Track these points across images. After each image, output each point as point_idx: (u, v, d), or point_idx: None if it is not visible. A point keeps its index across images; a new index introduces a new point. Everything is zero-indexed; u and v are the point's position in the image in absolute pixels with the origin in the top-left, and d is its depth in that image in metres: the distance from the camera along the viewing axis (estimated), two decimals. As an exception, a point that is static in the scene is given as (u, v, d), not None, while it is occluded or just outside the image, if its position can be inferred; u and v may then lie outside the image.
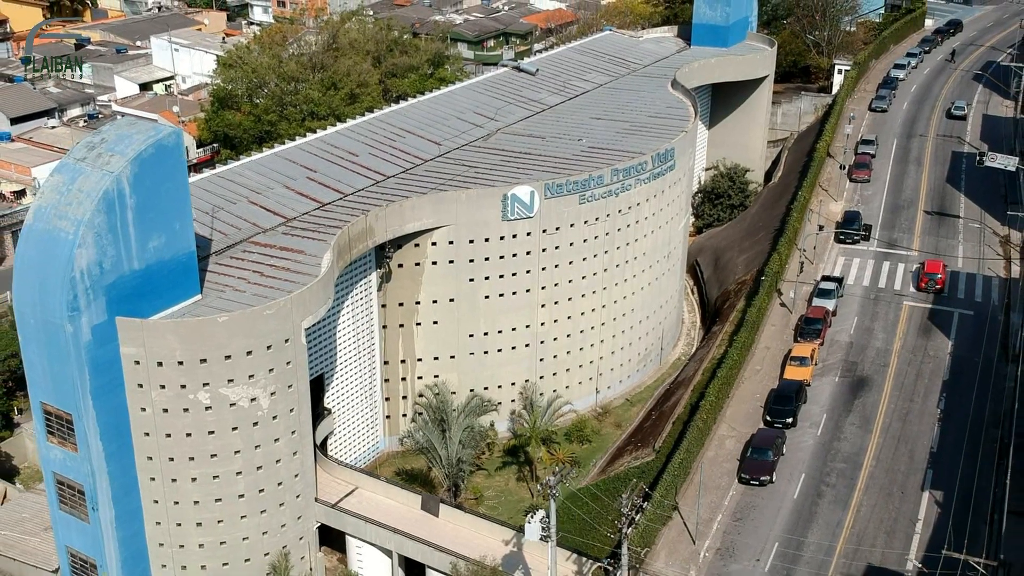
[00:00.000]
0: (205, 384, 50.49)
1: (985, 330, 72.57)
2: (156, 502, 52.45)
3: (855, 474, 59.40)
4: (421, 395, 67.73)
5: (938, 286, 77.26)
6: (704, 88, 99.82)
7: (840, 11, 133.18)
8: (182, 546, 53.47)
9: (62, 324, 47.43)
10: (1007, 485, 54.48)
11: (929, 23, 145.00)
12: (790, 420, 63.38)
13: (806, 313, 73.73)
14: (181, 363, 49.82)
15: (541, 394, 69.47)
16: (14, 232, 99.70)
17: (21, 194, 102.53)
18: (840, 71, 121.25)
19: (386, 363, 67.82)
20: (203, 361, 50.06)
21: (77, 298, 47.13)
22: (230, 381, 50.87)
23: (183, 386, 50.26)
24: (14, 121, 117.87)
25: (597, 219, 69.36)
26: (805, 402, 65.50)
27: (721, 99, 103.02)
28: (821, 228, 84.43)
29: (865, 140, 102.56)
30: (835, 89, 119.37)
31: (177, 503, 52.49)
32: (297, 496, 55.34)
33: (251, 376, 51.27)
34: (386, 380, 68.23)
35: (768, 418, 63.85)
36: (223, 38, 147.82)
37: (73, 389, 48.84)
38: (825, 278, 78.32)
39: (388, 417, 69.20)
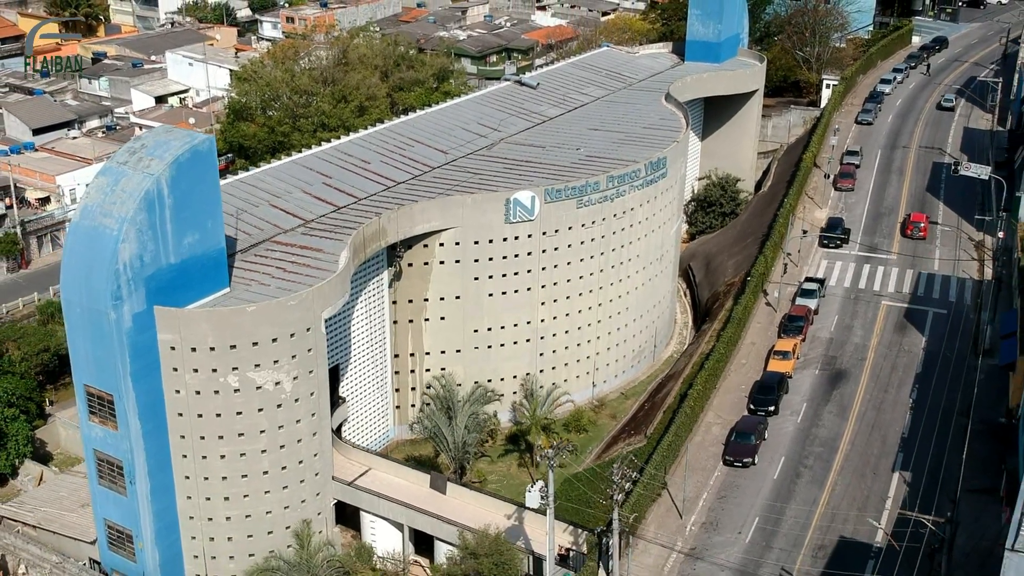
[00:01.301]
0: (234, 368, 55.30)
1: (955, 327, 77.40)
2: (187, 478, 57.19)
3: (831, 457, 64.17)
4: (429, 386, 72.44)
5: (922, 234, 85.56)
6: (697, 102, 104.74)
7: (830, 28, 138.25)
8: (210, 519, 58.18)
9: (106, 312, 52.31)
10: (963, 464, 59.25)
11: (916, 40, 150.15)
12: (772, 408, 68.20)
13: (789, 311, 78.66)
14: (213, 349, 54.64)
15: (541, 387, 74.17)
16: (39, 237, 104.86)
17: (46, 201, 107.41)
18: (828, 86, 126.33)
19: (396, 356, 72.61)
20: (233, 347, 54.88)
21: (120, 288, 52.01)
22: (257, 366, 55.67)
23: (214, 370, 55.07)
24: (36, 132, 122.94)
25: (594, 222, 74.19)
26: (787, 392, 70.32)
27: (713, 112, 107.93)
28: (805, 233, 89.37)
29: (850, 151, 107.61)
30: (823, 103, 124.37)
31: (207, 478, 57.21)
32: (316, 474, 60.10)
33: (276, 361, 56.09)
34: (396, 372, 73.01)
35: (752, 406, 68.69)
36: (235, 53, 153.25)
37: (115, 372, 53.68)
38: (808, 279, 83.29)
39: (398, 407, 73.95)
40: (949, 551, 49.92)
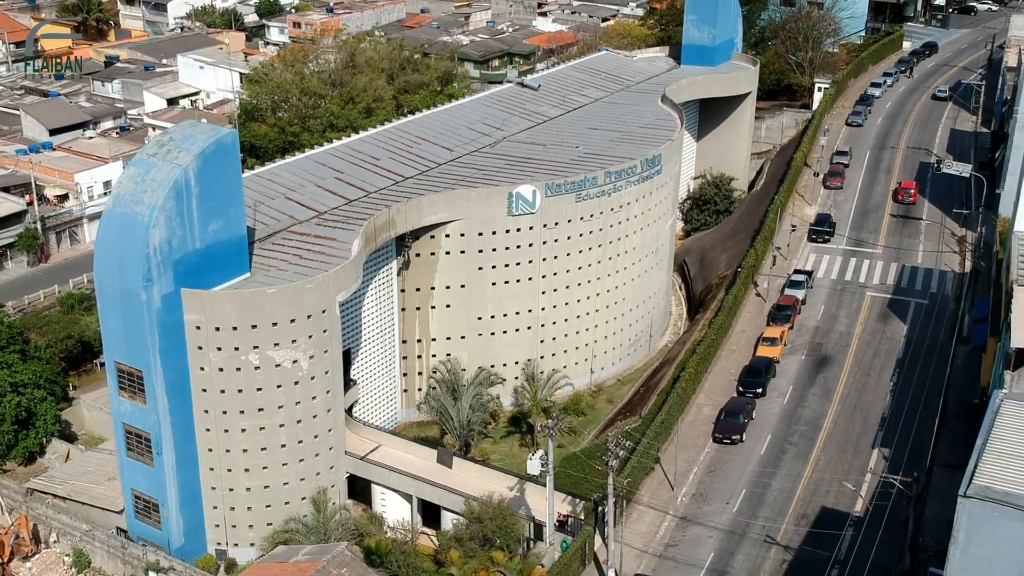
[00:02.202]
0: (255, 347, 59.16)
1: (935, 316, 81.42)
2: (210, 450, 61.03)
3: (815, 435, 68.10)
4: (435, 371, 76.31)
5: (911, 199, 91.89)
6: (693, 103, 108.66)
7: (823, 34, 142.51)
8: (231, 489, 62.00)
9: (137, 293, 56.23)
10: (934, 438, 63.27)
11: (907, 45, 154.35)
12: (760, 390, 72.11)
13: (778, 301, 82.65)
14: (235, 328, 58.51)
15: (541, 372, 78.02)
16: (58, 232, 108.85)
17: (64, 198, 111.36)
18: (820, 89, 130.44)
19: (404, 342, 76.49)
20: (254, 327, 58.75)
21: (150, 271, 55.92)
22: (276, 345, 59.57)
23: (236, 348, 58.93)
24: (52, 132, 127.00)
25: (592, 216, 78.09)
26: (774, 376, 74.25)
27: (708, 114, 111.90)
28: (794, 228, 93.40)
29: (840, 151, 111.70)
30: (815, 106, 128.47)
31: (228, 451, 61.05)
32: (330, 448, 63.96)
33: (294, 341, 59.98)
34: (404, 357, 76.91)
35: (740, 388, 72.60)
36: (244, 57, 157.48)
37: (145, 349, 57.56)
38: (796, 271, 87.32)
39: (405, 390, 77.80)
40: (915, 509, 53.78)
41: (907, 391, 72.17)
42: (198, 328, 58.33)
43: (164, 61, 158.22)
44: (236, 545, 63.27)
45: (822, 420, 69.49)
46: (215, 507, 62.47)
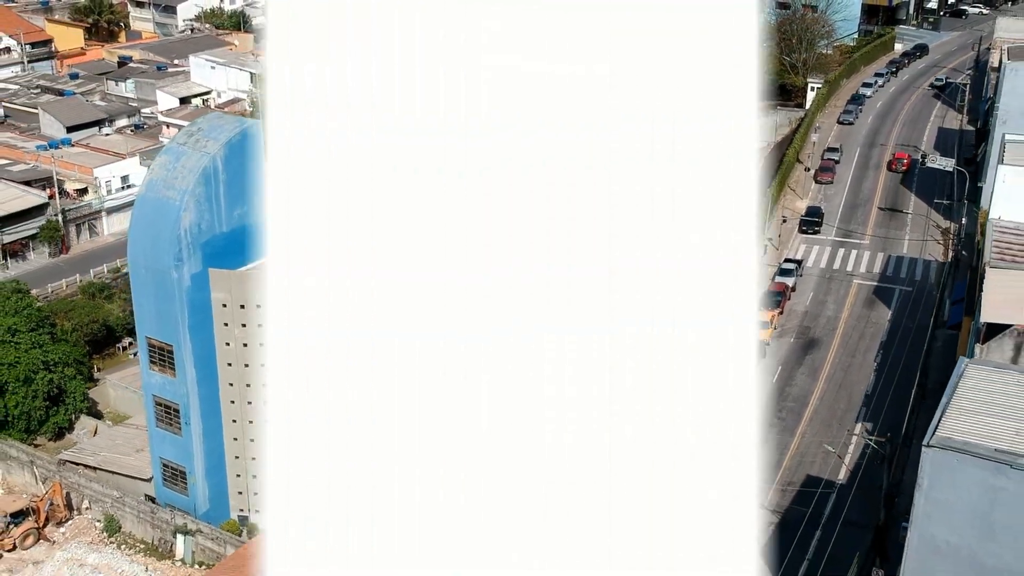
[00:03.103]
0: (277, 324, 63.29)
1: (918, 303, 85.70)
2: (234, 421, 65.11)
3: (802, 410, 72.28)
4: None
5: (904, 168, 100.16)
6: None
7: (817, 35, 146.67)
8: (253, 459, 66.10)
9: (169, 272, 60.38)
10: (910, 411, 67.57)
11: (899, 47, 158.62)
12: (750, 370, 76.23)
13: (769, 287, 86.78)
14: (259, 306, 62.63)
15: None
16: (78, 225, 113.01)
17: (83, 191, 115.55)
18: (813, 88, 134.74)
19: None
20: (276, 305, 62.90)
21: (181, 251, 60.07)
22: (296, 322, 63.66)
23: (260, 325, 63.05)
24: (69, 129, 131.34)
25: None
26: (764, 356, 78.35)
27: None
28: (785, 220, 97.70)
29: (831, 148, 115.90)
30: (808, 105, 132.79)
31: (251, 422, 65.19)
32: (346, 420, 68.06)
33: (313, 318, 64.08)
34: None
35: (732, 368, 76.72)
36: (254, 57, 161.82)
37: (175, 325, 61.68)
38: (787, 260, 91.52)
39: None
40: (890, 467, 57.95)
41: (890, 370, 76.33)
42: (224, 306, 62.40)
43: (176, 61, 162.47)
44: (257, 512, 67.35)
45: (809, 397, 73.66)
46: (238, 475, 66.50)
